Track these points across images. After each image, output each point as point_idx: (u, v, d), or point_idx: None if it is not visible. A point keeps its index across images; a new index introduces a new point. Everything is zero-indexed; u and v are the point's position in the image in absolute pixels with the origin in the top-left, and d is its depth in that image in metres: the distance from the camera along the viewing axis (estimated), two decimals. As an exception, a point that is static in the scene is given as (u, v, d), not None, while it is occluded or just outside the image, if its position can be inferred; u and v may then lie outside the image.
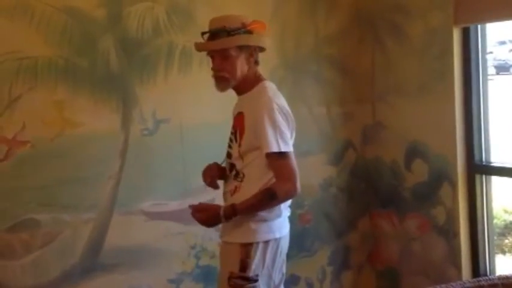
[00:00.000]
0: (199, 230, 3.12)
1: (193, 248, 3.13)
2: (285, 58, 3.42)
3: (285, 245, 2.50)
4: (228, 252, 2.46)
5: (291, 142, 2.37)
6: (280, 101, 2.40)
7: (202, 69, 3.12)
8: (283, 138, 2.32)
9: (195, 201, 3.06)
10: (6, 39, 2.66)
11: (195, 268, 3.14)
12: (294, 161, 2.35)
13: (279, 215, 2.41)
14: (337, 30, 3.62)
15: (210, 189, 3.10)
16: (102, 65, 2.88)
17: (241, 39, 2.40)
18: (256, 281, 2.37)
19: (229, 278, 2.39)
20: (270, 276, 2.43)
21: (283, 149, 2.30)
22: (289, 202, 2.47)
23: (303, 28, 3.50)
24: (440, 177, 3.34)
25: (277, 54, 3.37)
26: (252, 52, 2.43)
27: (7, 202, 2.67)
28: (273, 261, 2.42)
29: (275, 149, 2.30)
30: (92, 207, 2.86)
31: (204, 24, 3.08)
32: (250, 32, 2.41)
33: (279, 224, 2.42)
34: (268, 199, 2.34)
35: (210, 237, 3.15)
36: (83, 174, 2.83)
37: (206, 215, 2.45)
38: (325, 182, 3.61)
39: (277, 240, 2.42)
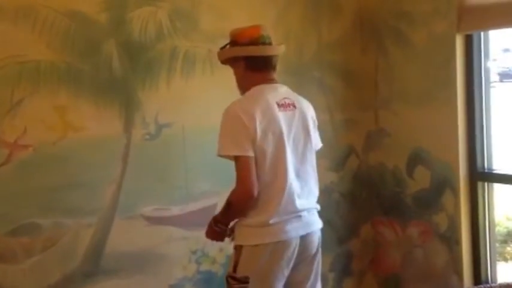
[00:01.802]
0: (201, 235, 3.12)
1: (194, 253, 3.12)
2: (288, 64, 3.41)
3: (288, 248, 2.47)
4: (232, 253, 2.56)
5: (249, 146, 2.36)
6: (248, 105, 2.44)
7: (205, 74, 3.13)
8: (233, 142, 2.37)
9: (197, 207, 3.12)
10: (9, 43, 2.66)
11: (195, 273, 3.13)
12: (247, 164, 2.36)
13: (265, 224, 2.42)
14: (341, 37, 3.62)
15: (212, 194, 3.13)
16: (104, 69, 2.88)
17: (223, 53, 2.60)
18: (244, 282, 2.42)
19: (226, 277, 2.49)
20: (265, 280, 2.45)
21: (231, 153, 2.37)
22: (290, 207, 2.47)
23: (306, 35, 3.50)
24: (443, 184, 3.33)
25: (280, 61, 3.34)
26: (240, 62, 2.54)
27: (8, 206, 2.66)
28: (271, 264, 2.44)
29: (220, 153, 2.40)
30: (94, 211, 2.86)
31: (207, 29, 3.11)
32: (235, 43, 2.54)
33: (270, 230, 2.43)
34: (227, 205, 2.46)
35: (212, 242, 3.14)
36: (84, 179, 2.82)
37: (207, 229, 2.62)
38: (327, 188, 3.60)
39: (270, 245, 2.43)
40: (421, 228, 3.48)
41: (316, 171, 2.65)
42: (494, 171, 3.25)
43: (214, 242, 3.01)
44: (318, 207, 2.65)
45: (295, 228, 2.49)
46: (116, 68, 2.91)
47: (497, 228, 3.51)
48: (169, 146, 3.04)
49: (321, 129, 3.52)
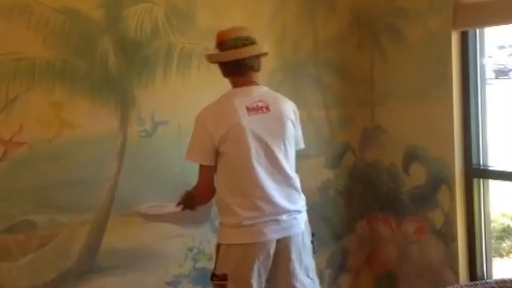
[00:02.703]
0: (197, 232, 3.13)
1: (190, 250, 3.12)
2: (284, 61, 3.42)
3: (262, 250, 2.50)
4: None
5: (210, 155, 2.53)
6: (215, 111, 2.55)
7: (201, 71, 3.12)
8: (192, 148, 2.57)
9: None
10: (3, 40, 2.64)
11: (192, 270, 3.13)
12: (205, 172, 2.56)
13: (238, 225, 2.50)
14: (337, 33, 3.62)
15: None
16: (100, 66, 2.87)
17: (206, 58, 2.70)
18: (222, 279, 2.50)
19: (211, 275, 2.59)
20: (241, 278, 2.49)
21: (193, 160, 2.58)
22: (266, 210, 2.50)
23: (302, 32, 3.50)
24: (438, 180, 3.34)
25: (276, 58, 3.37)
26: (219, 66, 2.62)
27: (3, 203, 2.65)
28: (246, 264, 2.49)
29: (186, 157, 2.59)
30: (89, 208, 2.85)
31: (203, 26, 3.10)
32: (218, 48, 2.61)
33: (245, 231, 2.49)
34: (191, 196, 2.67)
35: (208, 239, 3.15)
36: (80, 176, 2.81)
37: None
38: (324, 185, 3.61)
39: (244, 246, 2.48)
40: (416, 225, 3.49)
41: (294, 171, 2.65)
42: (490, 168, 3.26)
43: (211, 239, 3.08)
44: (302, 209, 2.64)
45: (272, 231, 2.51)
46: (112, 65, 2.90)
47: (492, 225, 3.52)
48: (166, 143, 3.04)
49: (317, 126, 3.56)
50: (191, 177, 3.09)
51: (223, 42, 2.55)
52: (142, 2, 2.97)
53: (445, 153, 3.29)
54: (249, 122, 2.50)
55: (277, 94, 2.67)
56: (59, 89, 2.77)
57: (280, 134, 2.57)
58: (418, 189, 3.45)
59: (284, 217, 2.54)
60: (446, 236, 3.32)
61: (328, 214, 3.62)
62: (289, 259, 2.57)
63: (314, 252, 2.72)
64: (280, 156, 2.56)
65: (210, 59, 2.63)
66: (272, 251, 2.52)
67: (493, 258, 3.36)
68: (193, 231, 3.12)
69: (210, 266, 3.12)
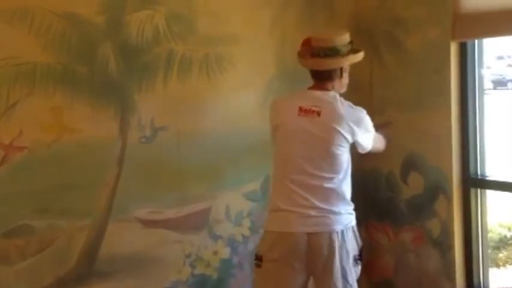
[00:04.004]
0: (195, 238, 3.13)
1: (188, 256, 3.12)
2: (283, 69, 3.43)
3: (290, 240, 2.61)
4: None
5: (272, 136, 2.79)
6: (279, 102, 2.83)
7: (201, 78, 3.13)
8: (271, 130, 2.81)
9: (192, 210, 3.12)
10: (5, 44, 2.64)
11: (190, 277, 3.13)
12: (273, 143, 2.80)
13: (272, 209, 2.70)
14: (336, 41, 3.62)
15: (206, 197, 3.14)
16: (101, 71, 2.88)
17: None
18: (259, 259, 2.66)
19: None
20: (272, 263, 2.63)
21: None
22: (298, 201, 2.63)
23: (302, 39, 3.50)
24: (436, 190, 3.34)
25: (275, 65, 3.38)
26: None
27: (2, 207, 2.64)
28: (275, 251, 2.62)
29: None
30: (88, 214, 2.85)
31: (203, 33, 3.11)
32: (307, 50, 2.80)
33: (277, 220, 2.66)
34: None
35: (206, 246, 3.15)
36: (79, 181, 2.81)
37: None
38: (322, 193, 3.60)
39: (276, 233, 2.63)
40: (414, 234, 3.49)
41: (341, 174, 2.71)
42: (488, 178, 3.27)
43: (209, 246, 3.13)
44: (340, 211, 2.68)
45: (300, 224, 2.61)
46: (112, 71, 2.91)
47: (489, 235, 3.52)
48: (165, 149, 3.04)
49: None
50: (190, 183, 3.12)
51: (311, 48, 2.72)
52: (143, 8, 2.98)
53: (443, 163, 3.30)
54: (295, 121, 2.65)
55: (340, 103, 2.72)
56: (60, 94, 2.78)
57: (324, 140, 2.66)
58: (416, 198, 3.45)
59: (312, 212, 2.61)
60: (443, 245, 3.33)
61: (326, 222, 3.62)
62: (321, 255, 2.62)
63: (355, 260, 2.75)
64: (319, 160, 2.65)
65: (298, 60, 2.82)
66: (302, 243, 2.61)
67: (489, 268, 3.37)
68: (191, 237, 3.12)
69: (208, 272, 3.15)
